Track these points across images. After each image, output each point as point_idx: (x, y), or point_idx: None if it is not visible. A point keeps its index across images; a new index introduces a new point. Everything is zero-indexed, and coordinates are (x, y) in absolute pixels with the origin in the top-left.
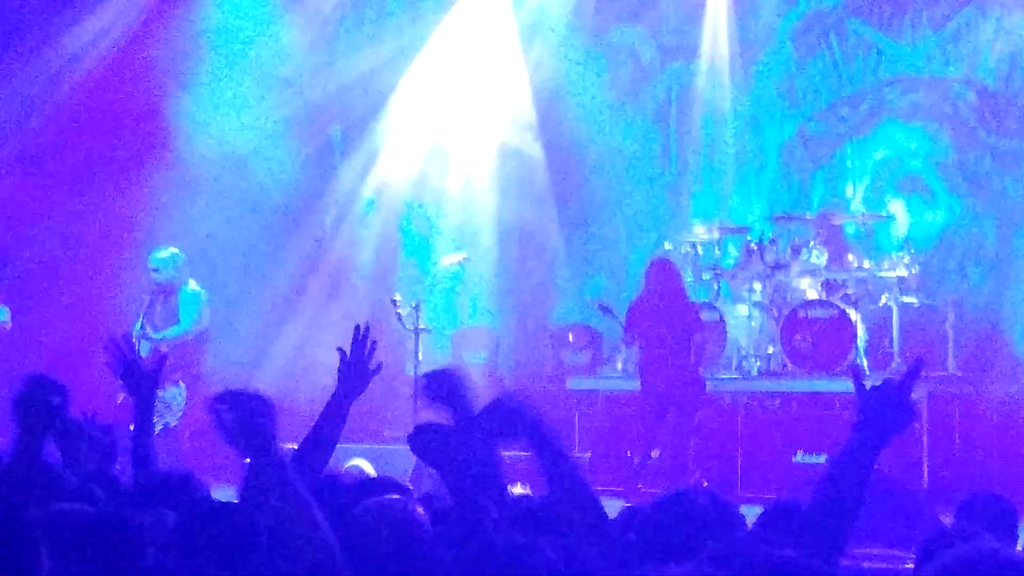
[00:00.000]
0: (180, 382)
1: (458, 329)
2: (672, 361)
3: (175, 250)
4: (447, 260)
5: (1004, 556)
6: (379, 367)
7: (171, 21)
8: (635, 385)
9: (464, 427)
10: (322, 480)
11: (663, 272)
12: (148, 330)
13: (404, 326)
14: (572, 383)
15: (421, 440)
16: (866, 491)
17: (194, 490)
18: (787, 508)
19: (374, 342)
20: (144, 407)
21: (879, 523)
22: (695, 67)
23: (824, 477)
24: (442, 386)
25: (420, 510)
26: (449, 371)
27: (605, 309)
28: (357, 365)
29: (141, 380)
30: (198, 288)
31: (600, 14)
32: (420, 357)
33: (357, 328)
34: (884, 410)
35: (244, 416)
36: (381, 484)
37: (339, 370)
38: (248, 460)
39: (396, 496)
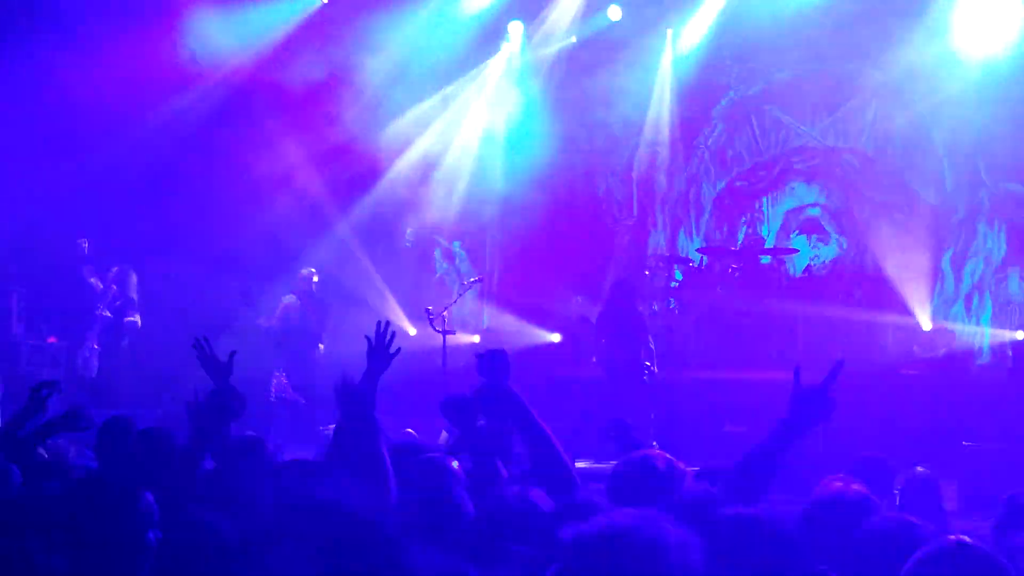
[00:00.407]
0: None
1: (478, 334)
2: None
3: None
4: (467, 280)
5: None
6: (398, 350)
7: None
8: (603, 373)
9: (497, 394)
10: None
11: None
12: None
13: (435, 329)
14: (558, 372)
15: (448, 408)
16: (783, 462)
17: (263, 451)
18: (713, 472)
19: (394, 332)
20: (221, 388)
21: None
22: (650, 138)
23: (754, 450)
24: (489, 362)
25: (455, 464)
26: (495, 352)
27: (583, 320)
28: (380, 349)
29: (218, 370)
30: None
31: (585, 99)
32: (446, 352)
33: (379, 323)
34: (812, 406)
35: (355, 385)
36: (424, 446)
37: (367, 353)
38: (346, 420)
39: (437, 454)
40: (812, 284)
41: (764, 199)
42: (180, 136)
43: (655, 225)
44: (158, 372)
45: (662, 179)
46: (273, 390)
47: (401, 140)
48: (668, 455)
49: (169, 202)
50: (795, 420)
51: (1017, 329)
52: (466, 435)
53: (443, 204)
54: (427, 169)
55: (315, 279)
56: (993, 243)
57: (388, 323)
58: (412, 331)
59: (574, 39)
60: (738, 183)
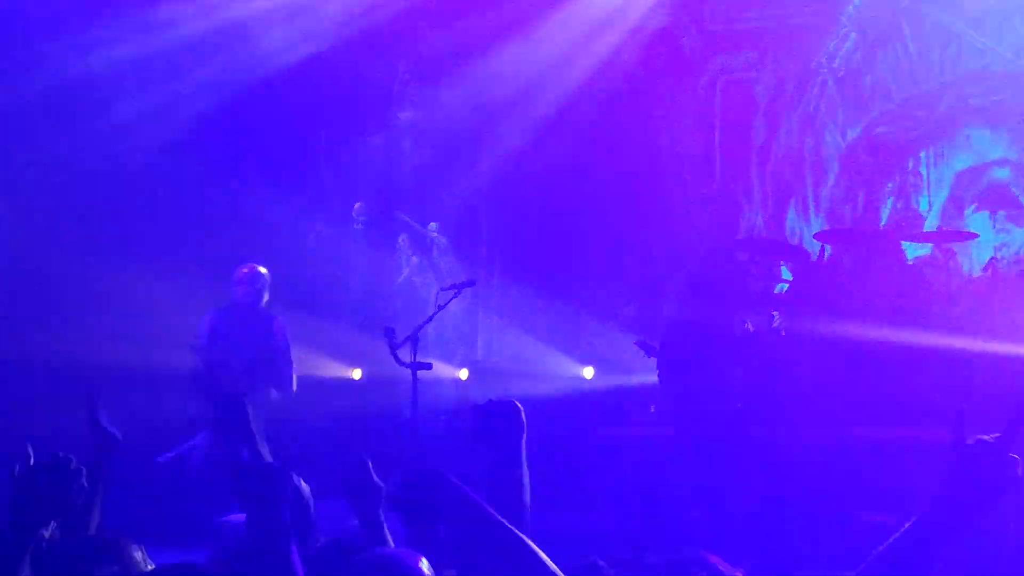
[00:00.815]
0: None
1: (467, 367)
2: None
3: (256, 267)
4: (451, 283)
5: None
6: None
7: None
8: (670, 431)
9: (505, 477)
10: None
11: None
12: None
13: (399, 361)
14: (599, 430)
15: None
16: (942, 563)
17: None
18: None
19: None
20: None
21: None
22: (744, 59)
23: (896, 544)
24: (491, 421)
25: (425, 565)
26: (502, 405)
27: (646, 347)
28: (218, 402)
29: (103, 442)
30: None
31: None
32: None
33: (87, 385)
34: (983, 474)
35: (255, 483)
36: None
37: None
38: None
39: (399, 549)
40: (998, 288)
41: (922, 154)
42: None
43: (749, 196)
44: None
45: (760, 123)
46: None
47: None
48: (714, 559)
49: None
50: (957, 495)
51: None
52: (427, 542)
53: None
54: None
55: (263, 276)
56: None
57: (95, 388)
58: (356, 374)
59: None
60: (881, 129)
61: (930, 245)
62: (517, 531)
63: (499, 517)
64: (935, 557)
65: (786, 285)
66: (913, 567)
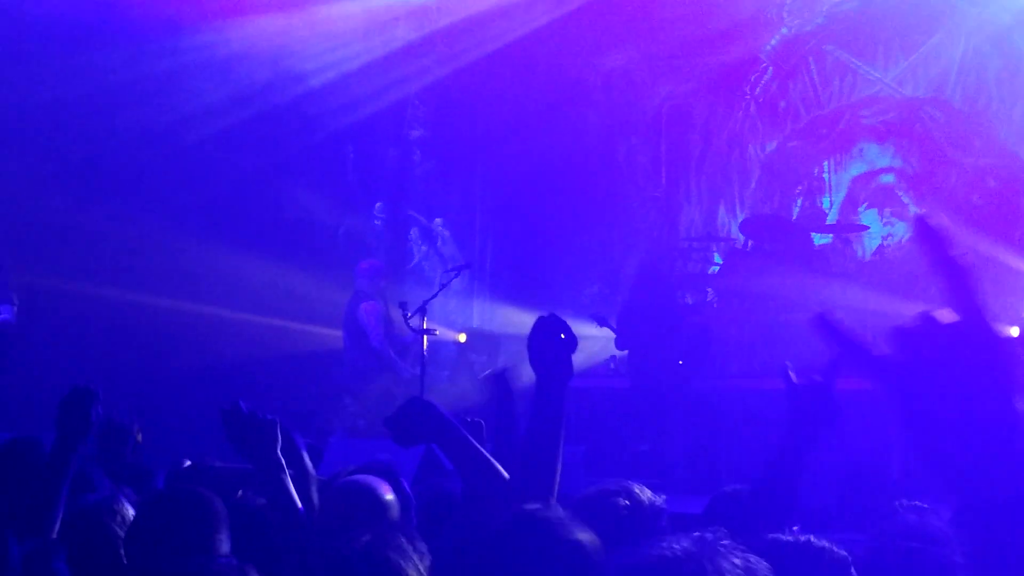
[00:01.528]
0: None
1: (465, 331)
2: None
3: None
4: (452, 267)
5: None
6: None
7: None
8: (625, 383)
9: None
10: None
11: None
12: None
13: (410, 328)
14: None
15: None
16: (800, 478)
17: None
18: (731, 497)
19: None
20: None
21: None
22: (685, 88)
23: (763, 470)
24: (500, 384)
25: (387, 492)
26: (501, 376)
27: (600, 320)
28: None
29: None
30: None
31: (599, 36)
32: (425, 354)
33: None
34: (811, 408)
35: (251, 428)
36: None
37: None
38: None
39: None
40: (885, 270)
41: (825, 163)
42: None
43: (688, 197)
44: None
45: (696, 139)
46: None
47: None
48: (639, 489)
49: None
50: (794, 429)
51: None
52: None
53: (422, 169)
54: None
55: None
56: None
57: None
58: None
59: None
60: (792, 143)
61: (831, 235)
62: (482, 449)
63: (470, 438)
64: (787, 474)
65: (717, 267)
66: (778, 482)
